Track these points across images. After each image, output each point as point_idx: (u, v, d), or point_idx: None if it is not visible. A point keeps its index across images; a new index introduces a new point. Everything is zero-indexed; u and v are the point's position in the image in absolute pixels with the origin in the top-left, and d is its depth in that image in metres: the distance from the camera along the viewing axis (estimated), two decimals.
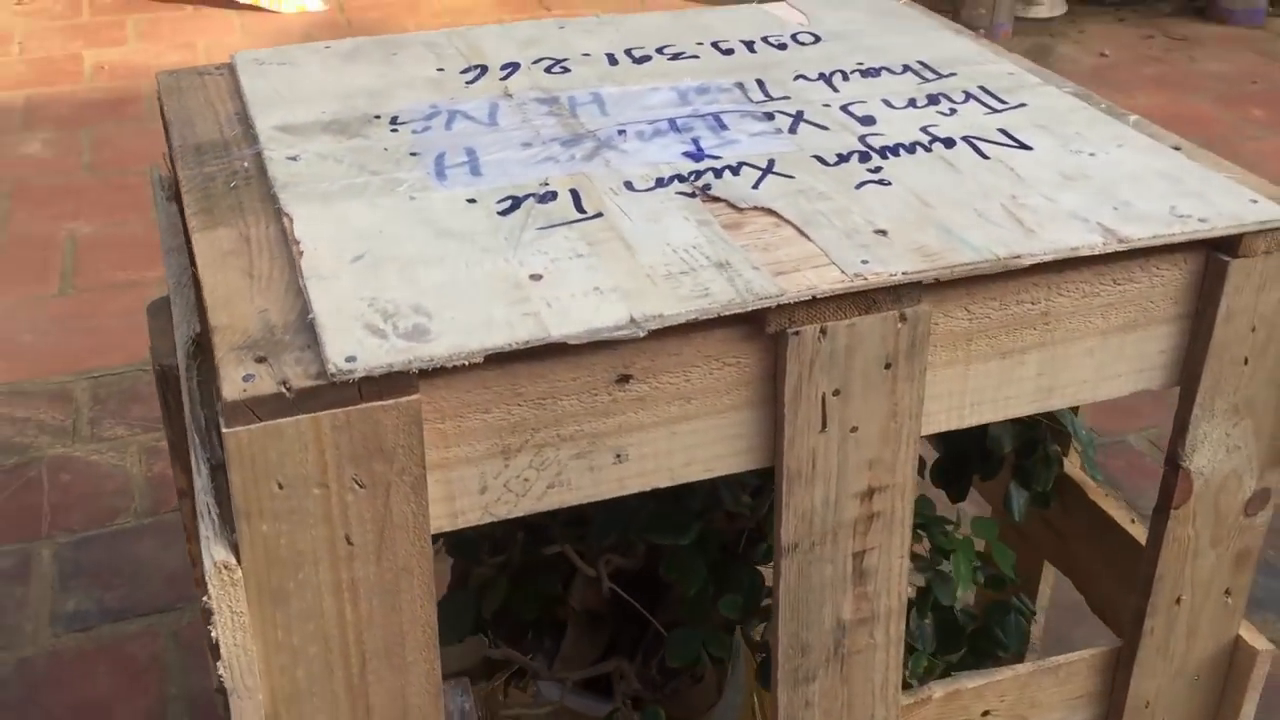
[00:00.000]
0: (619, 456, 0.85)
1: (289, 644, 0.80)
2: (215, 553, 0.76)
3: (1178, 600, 1.08)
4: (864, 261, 0.84)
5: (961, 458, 1.25)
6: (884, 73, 1.16)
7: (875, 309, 0.85)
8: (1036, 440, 1.23)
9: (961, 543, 1.13)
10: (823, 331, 0.84)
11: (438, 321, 0.78)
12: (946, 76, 1.16)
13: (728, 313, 0.81)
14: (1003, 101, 1.11)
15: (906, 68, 1.18)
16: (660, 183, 0.95)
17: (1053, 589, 1.44)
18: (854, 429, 0.89)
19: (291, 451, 0.74)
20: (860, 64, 1.18)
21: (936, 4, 4.74)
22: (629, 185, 0.94)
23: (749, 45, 1.23)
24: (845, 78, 1.15)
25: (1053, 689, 1.11)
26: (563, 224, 0.89)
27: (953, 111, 1.08)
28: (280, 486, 0.75)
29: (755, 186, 0.94)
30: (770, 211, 0.91)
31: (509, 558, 1.12)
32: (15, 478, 2.19)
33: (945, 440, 1.26)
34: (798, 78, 1.15)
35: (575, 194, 0.93)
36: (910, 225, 0.89)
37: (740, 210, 0.91)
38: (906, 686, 1.08)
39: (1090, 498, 1.26)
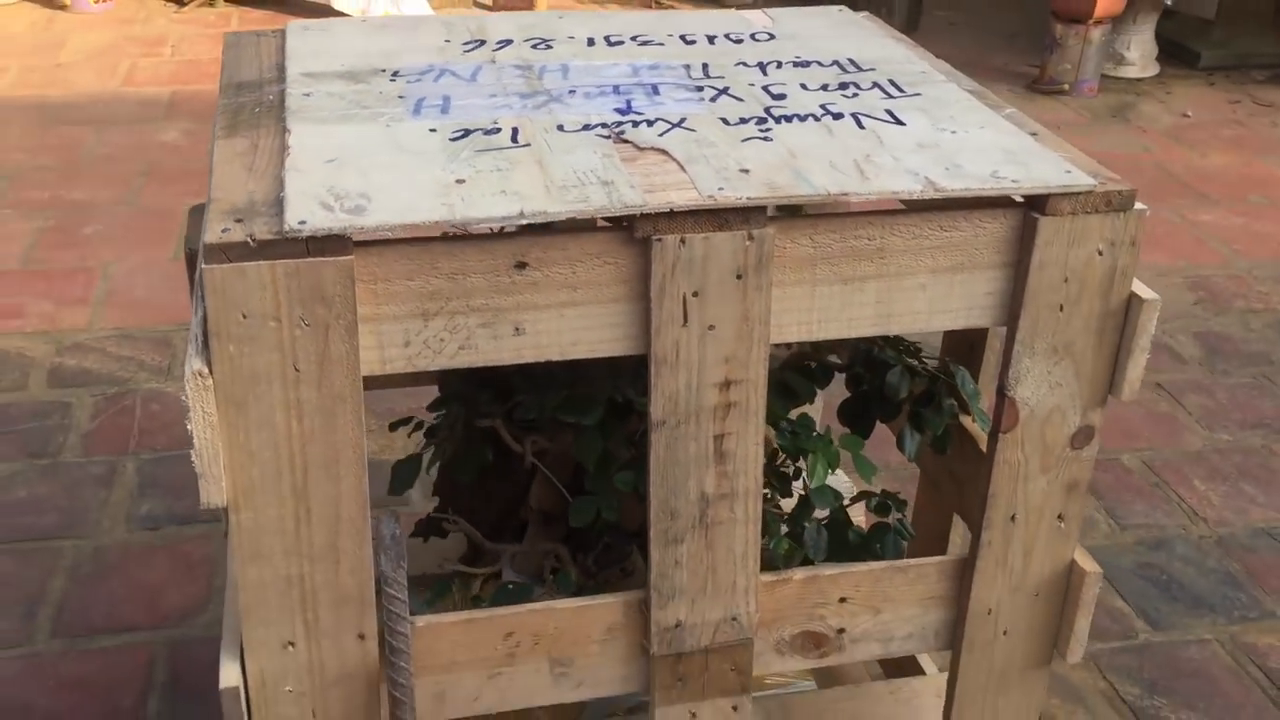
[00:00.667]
0: (517, 330, 1.08)
1: (247, 446, 1.05)
2: (193, 363, 1.01)
3: (1012, 518, 1.26)
4: (720, 188, 1.06)
5: (865, 400, 1.45)
6: (814, 65, 1.38)
7: (727, 227, 1.07)
8: (933, 392, 1.42)
9: (819, 443, 1.32)
10: (682, 241, 1.06)
11: (374, 204, 1.02)
12: (866, 71, 1.37)
13: (598, 214, 1.03)
14: (901, 91, 1.31)
15: (835, 62, 1.39)
16: (587, 128, 1.18)
17: (962, 539, 1.61)
18: (711, 327, 1.10)
19: (253, 289, 0.99)
20: (797, 57, 1.40)
21: (1027, 62, 4.91)
22: (560, 127, 1.18)
23: (710, 39, 1.46)
24: (779, 67, 1.37)
25: (904, 587, 1.29)
26: (495, 149, 1.13)
27: (854, 95, 1.29)
28: (244, 316, 1.00)
29: (661, 135, 1.17)
30: (663, 152, 1.13)
31: (453, 429, 1.36)
32: (113, 404, 2.51)
33: (854, 386, 1.45)
34: (738, 64, 1.37)
35: (515, 130, 1.17)
36: (771, 168, 1.11)
37: (640, 149, 1.14)
38: (772, 568, 1.28)
39: (981, 447, 1.44)
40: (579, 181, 1.07)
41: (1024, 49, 4.76)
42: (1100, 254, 1.15)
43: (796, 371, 1.39)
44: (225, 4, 5.05)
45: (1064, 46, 4.41)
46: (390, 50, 1.38)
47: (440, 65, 1.34)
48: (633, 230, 1.06)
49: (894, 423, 1.46)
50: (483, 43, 1.42)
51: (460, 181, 1.07)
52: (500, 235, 1.06)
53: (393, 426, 1.55)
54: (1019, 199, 1.13)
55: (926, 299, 1.15)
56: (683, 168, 1.10)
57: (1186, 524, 2.29)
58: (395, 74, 1.31)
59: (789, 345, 1.53)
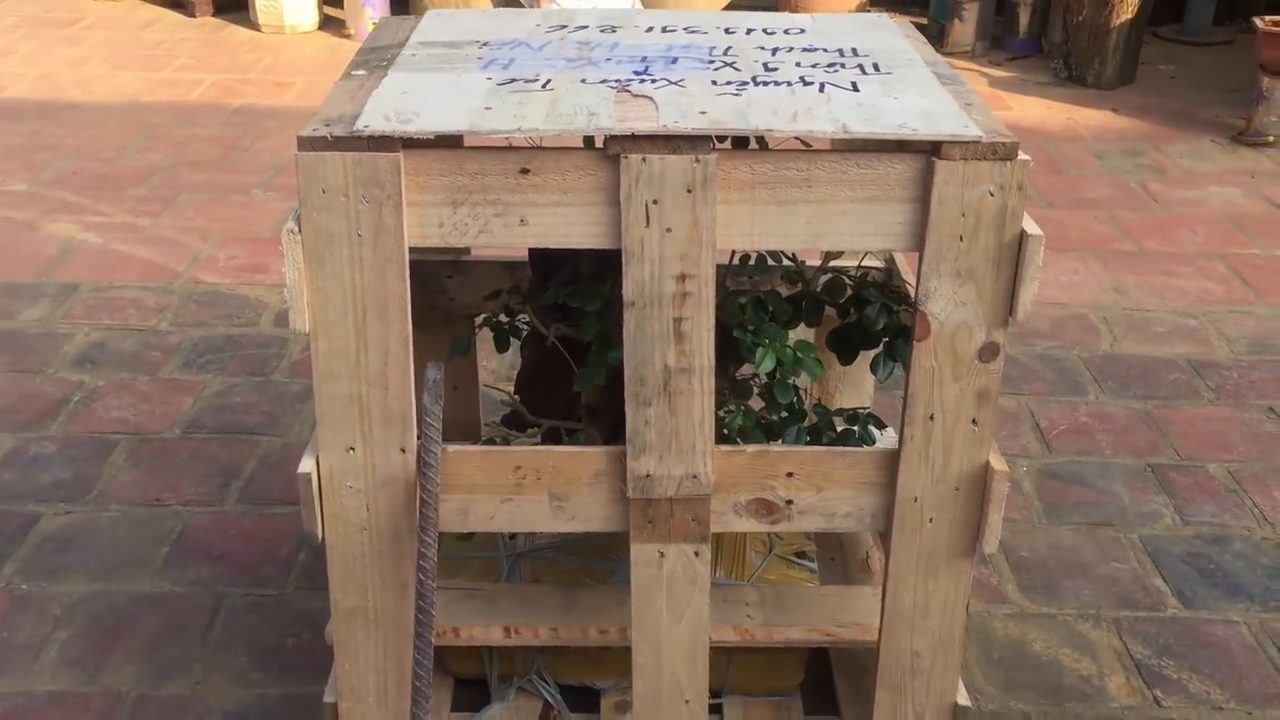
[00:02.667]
0: (523, 221, 1.45)
1: (323, 290, 1.46)
2: (287, 225, 1.43)
3: (930, 417, 1.51)
4: (675, 121, 1.40)
5: (848, 331, 1.73)
6: (818, 51, 1.69)
7: (679, 151, 1.40)
8: (905, 327, 1.69)
9: (771, 332, 1.61)
10: (644, 159, 1.40)
11: (420, 119, 1.41)
12: (860, 57, 1.67)
13: (576, 134, 1.39)
14: (877, 71, 1.61)
15: (839, 50, 1.69)
16: (604, 82, 1.54)
17: None
18: (669, 230, 1.43)
19: (329, 171, 1.40)
20: (808, 45, 1.71)
21: (1238, 115, 4.96)
22: (584, 80, 1.54)
23: (749, 31, 1.79)
24: (789, 51, 1.69)
25: (843, 470, 1.57)
26: (525, 91, 1.50)
27: (835, 71, 1.60)
28: (324, 191, 1.41)
29: (657, 89, 1.51)
30: (649, 98, 1.48)
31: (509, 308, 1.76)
32: None
33: (841, 318, 1.74)
34: (757, 48, 1.70)
35: (548, 81, 1.54)
36: (725, 112, 1.43)
37: (635, 96, 1.49)
38: (730, 441, 1.59)
39: None
40: (574, 113, 1.43)
41: (1238, 104, 4.76)
42: (992, 195, 1.41)
43: (779, 296, 1.69)
44: None
45: (1270, 99, 4.42)
46: (491, 30, 1.79)
47: (521, 40, 1.73)
48: (607, 150, 1.41)
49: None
50: (565, 27, 1.80)
51: (488, 109, 1.45)
52: (512, 148, 1.43)
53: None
54: (926, 146, 1.41)
55: (849, 223, 1.44)
56: (658, 109, 1.45)
57: (1253, 526, 2.39)
58: (484, 44, 1.71)
59: (794, 282, 1.83)
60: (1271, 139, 4.47)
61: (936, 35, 5.73)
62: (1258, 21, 4.44)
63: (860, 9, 5.75)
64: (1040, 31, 5.62)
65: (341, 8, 5.77)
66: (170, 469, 2.51)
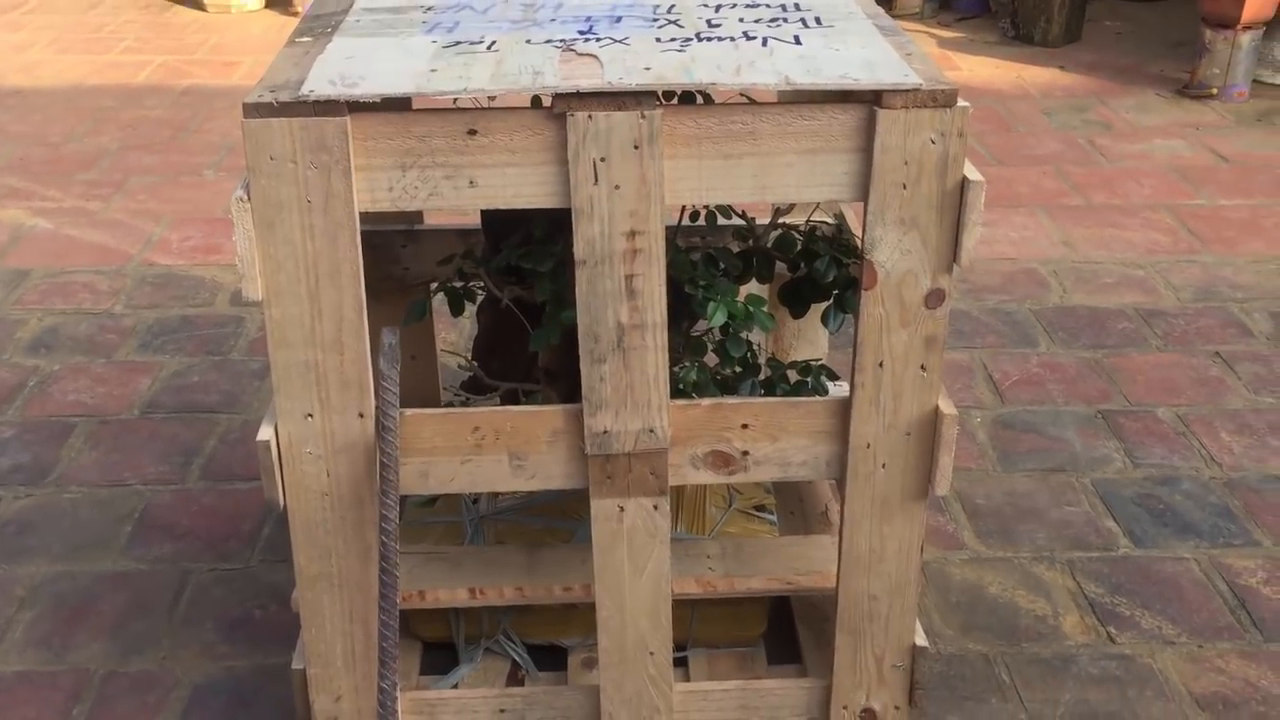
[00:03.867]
0: (472, 183, 1.46)
1: (275, 257, 1.46)
2: (236, 193, 1.43)
3: (880, 364, 1.54)
4: (620, 78, 1.41)
5: (799, 285, 1.75)
6: (761, 6, 1.70)
7: (625, 108, 1.41)
8: (854, 279, 1.71)
9: (722, 287, 1.63)
10: (590, 117, 1.41)
11: (365, 83, 1.42)
12: (803, 11, 1.68)
13: (521, 92, 1.40)
14: (819, 24, 1.62)
15: (782, 6, 1.71)
16: (549, 42, 1.55)
17: None
18: (617, 187, 1.45)
19: (276, 137, 1.40)
20: (752, 2, 1.72)
21: (1183, 69, 5.05)
22: (528, 41, 1.55)
23: None
24: (733, 7, 1.70)
25: (798, 420, 1.59)
26: (469, 53, 1.51)
27: (778, 25, 1.61)
28: (271, 158, 1.41)
29: (602, 47, 1.53)
30: (594, 56, 1.49)
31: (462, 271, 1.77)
32: None
33: (792, 272, 1.76)
34: (701, 5, 1.71)
35: (493, 42, 1.55)
36: (669, 68, 1.45)
37: (579, 55, 1.50)
38: (685, 395, 1.61)
39: None
40: (519, 71, 1.44)
41: (1183, 57, 4.82)
42: (933, 142, 1.43)
43: (731, 253, 1.71)
44: None
45: (1212, 52, 4.48)
46: None
47: (465, 3, 1.73)
48: (553, 108, 1.42)
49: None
50: None
51: (433, 71, 1.45)
52: (458, 109, 1.43)
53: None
54: (867, 95, 1.43)
55: (795, 175, 1.46)
56: (602, 66, 1.46)
57: (1200, 467, 2.44)
58: (428, 9, 1.71)
59: (745, 239, 1.85)
60: (1214, 91, 4.53)
61: None
62: None
63: None
64: None
65: None
66: (130, 449, 2.50)
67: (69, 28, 5.44)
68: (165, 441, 2.52)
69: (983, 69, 4.94)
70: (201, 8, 5.70)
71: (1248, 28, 4.40)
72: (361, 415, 1.55)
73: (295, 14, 5.61)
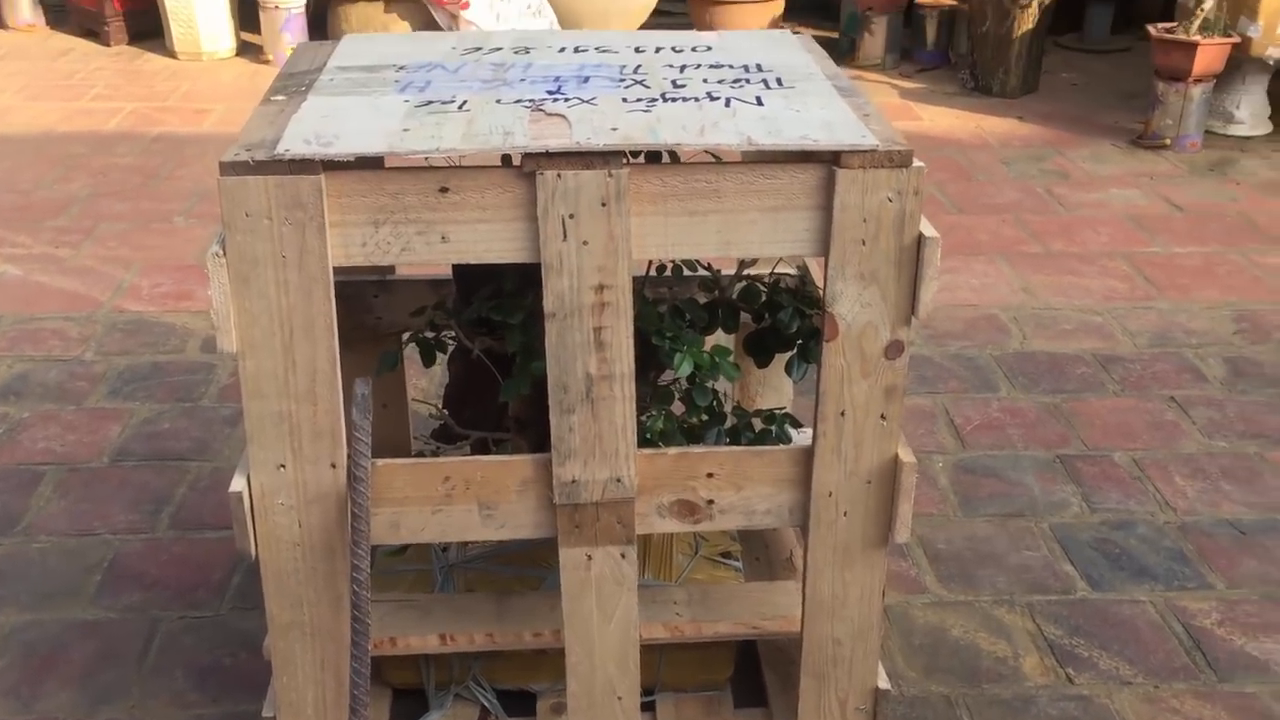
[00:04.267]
0: (444, 238, 1.49)
1: (250, 310, 1.49)
2: (213, 249, 1.47)
3: (842, 414, 1.58)
4: (588, 138, 1.46)
5: (763, 335, 1.80)
6: (725, 67, 1.76)
7: (592, 166, 1.46)
8: (816, 329, 1.76)
9: (688, 338, 1.67)
10: (559, 175, 1.46)
11: (339, 142, 1.46)
12: (764, 71, 1.74)
13: (492, 152, 1.44)
14: (781, 85, 1.68)
15: (744, 65, 1.76)
16: (518, 102, 1.60)
17: None
18: (585, 242, 1.49)
19: (253, 195, 1.44)
20: (715, 62, 1.78)
21: (1137, 120, 5.18)
22: (499, 101, 1.60)
23: (658, 49, 1.85)
24: (697, 68, 1.75)
25: (761, 468, 1.63)
26: (442, 113, 1.55)
27: (741, 86, 1.67)
28: (247, 215, 1.45)
29: (570, 107, 1.57)
30: (562, 116, 1.54)
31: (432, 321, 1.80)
32: None
33: (756, 323, 1.81)
34: (666, 66, 1.76)
35: (464, 102, 1.59)
36: (635, 128, 1.50)
37: (548, 115, 1.54)
38: (652, 445, 1.64)
39: None
40: (490, 132, 1.49)
41: (1137, 109, 4.94)
42: (890, 200, 1.48)
43: (697, 304, 1.76)
44: None
45: (1165, 104, 4.59)
46: (408, 53, 1.83)
47: (437, 62, 1.78)
48: (523, 167, 1.46)
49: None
50: (480, 49, 1.86)
51: (406, 130, 1.50)
52: (431, 168, 1.48)
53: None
54: (826, 156, 1.48)
55: (758, 231, 1.51)
56: (570, 126, 1.50)
57: (1155, 511, 2.50)
58: (401, 68, 1.75)
59: (711, 290, 1.90)
60: (1168, 141, 4.64)
61: (847, 49, 5.87)
62: (1151, 29, 4.62)
63: (774, 24, 5.87)
64: (947, 44, 5.78)
65: (259, 33, 5.76)
66: (99, 498, 2.51)
67: (39, 74, 5.47)
68: (135, 489, 2.53)
69: (943, 119, 5.04)
70: (172, 55, 5.74)
71: (1199, 80, 4.53)
72: (334, 466, 1.58)
73: (266, 61, 5.65)
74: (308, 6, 5.69)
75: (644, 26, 6.05)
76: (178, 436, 2.72)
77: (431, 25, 5.60)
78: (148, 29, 5.91)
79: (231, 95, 5.24)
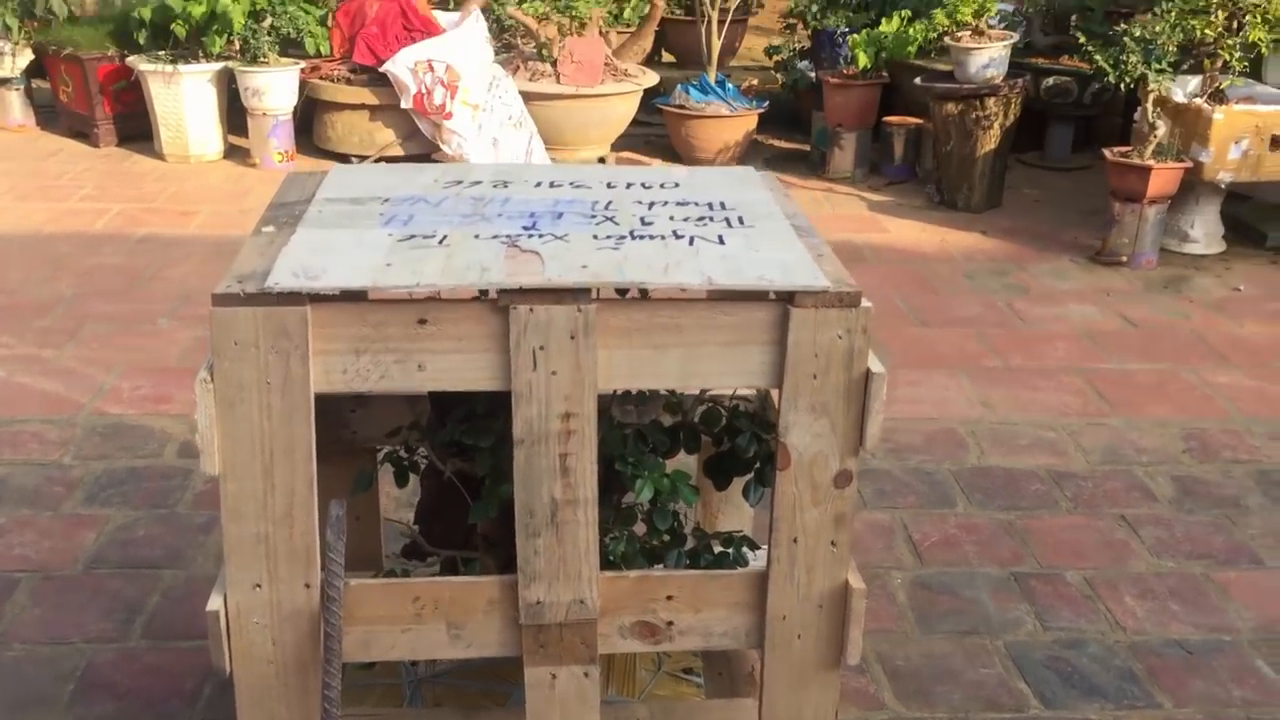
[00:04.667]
0: (421, 367, 1.58)
1: (234, 434, 1.56)
2: (201, 374, 1.54)
3: (794, 540, 1.66)
4: (559, 275, 1.55)
5: (722, 459, 1.88)
6: (690, 204, 1.87)
7: (562, 302, 1.55)
8: (773, 454, 1.84)
9: (649, 463, 1.75)
10: (531, 310, 1.55)
11: (326, 275, 1.55)
12: (727, 210, 1.85)
13: (469, 287, 1.53)
14: (743, 224, 1.79)
15: (709, 203, 1.87)
16: (495, 237, 1.69)
17: None
18: (554, 373, 1.58)
19: (242, 325, 1.52)
20: (681, 199, 1.89)
21: (1095, 237, 5.31)
22: (477, 236, 1.70)
23: (629, 185, 1.96)
24: (664, 205, 1.86)
25: (718, 592, 1.70)
26: (424, 247, 1.65)
27: (704, 224, 1.77)
28: (235, 343, 1.53)
29: (544, 243, 1.67)
30: (536, 253, 1.63)
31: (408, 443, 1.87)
32: None
33: (716, 446, 1.89)
34: (635, 202, 1.87)
35: (445, 236, 1.69)
36: (605, 266, 1.59)
37: (523, 251, 1.64)
38: (614, 567, 1.71)
39: None
40: (468, 267, 1.58)
41: (1096, 225, 5.11)
42: (840, 338, 1.58)
43: (658, 429, 1.84)
44: (387, 165, 5.86)
45: (1121, 223, 4.76)
46: (393, 185, 1.93)
47: (420, 195, 1.88)
48: (498, 302, 1.55)
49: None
50: (461, 182, 1.96)
51: (389, 265, 1.59)
52: (410, 301, 1.56)
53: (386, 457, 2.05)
54: (781, 295, 1.58)
55: (717, 364, 1.60)
56: (543, 263, 1.60)
57: (1106, 630, 2.57)
58: (386, 200, 1.85)
59: (674, 414, 1.98)
60: (1124, 259, 4.80)
61: (819, 162, 6.06)
62: (1107, 153, 4.81)
63: (747, 137, 6.06)
64: (914, 159, 5.97)
65: (246, 137, 5.90)
66: (73, 606, 2.54)
67: (28, 175, 5.57)
68: (109, 598, 2.56)
69: (909, 232, 5.20)
70: (161, 157, 5.86)
71: (1153, 202, 4.70)
72: (308, 585, 1.64)
73: (253, 165, 5.78)
74: (295, 112, 5.84)
75: (622, 138, 6.24)
76: (152, 544, 2.76)
77: (416, 133, 5.76)
78: (137, 132, 6.05)
79: (218, 198, 5.35)
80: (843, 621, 1.70)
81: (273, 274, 1.55)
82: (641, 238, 1.71)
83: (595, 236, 1.71)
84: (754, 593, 1.70)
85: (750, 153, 6.21)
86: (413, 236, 1.69)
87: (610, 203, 1.87)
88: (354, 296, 1.59)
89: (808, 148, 6.28)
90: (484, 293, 1.62)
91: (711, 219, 1.80)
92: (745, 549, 1.88)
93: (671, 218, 1.80)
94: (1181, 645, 2.53)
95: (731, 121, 6.02)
